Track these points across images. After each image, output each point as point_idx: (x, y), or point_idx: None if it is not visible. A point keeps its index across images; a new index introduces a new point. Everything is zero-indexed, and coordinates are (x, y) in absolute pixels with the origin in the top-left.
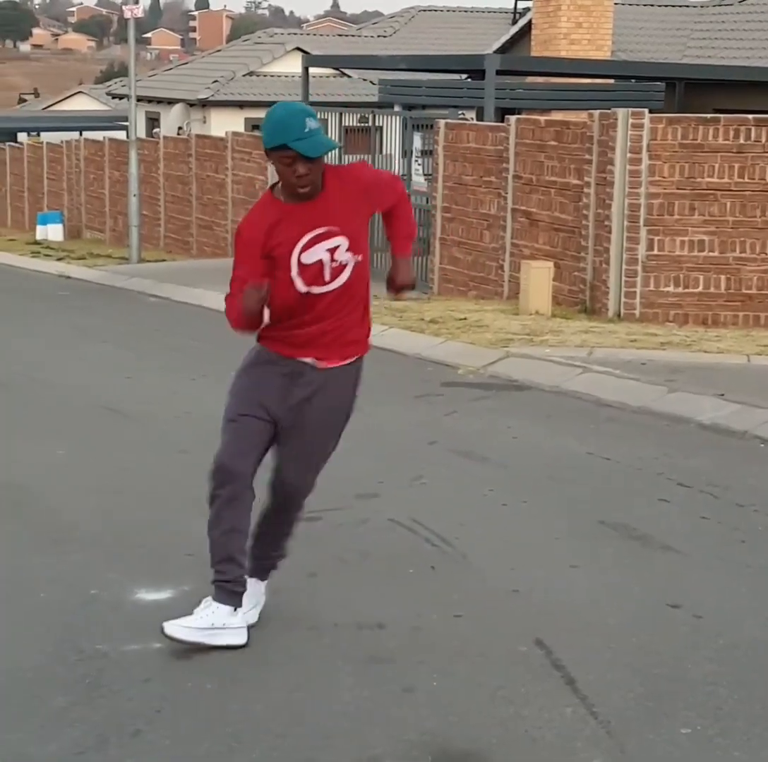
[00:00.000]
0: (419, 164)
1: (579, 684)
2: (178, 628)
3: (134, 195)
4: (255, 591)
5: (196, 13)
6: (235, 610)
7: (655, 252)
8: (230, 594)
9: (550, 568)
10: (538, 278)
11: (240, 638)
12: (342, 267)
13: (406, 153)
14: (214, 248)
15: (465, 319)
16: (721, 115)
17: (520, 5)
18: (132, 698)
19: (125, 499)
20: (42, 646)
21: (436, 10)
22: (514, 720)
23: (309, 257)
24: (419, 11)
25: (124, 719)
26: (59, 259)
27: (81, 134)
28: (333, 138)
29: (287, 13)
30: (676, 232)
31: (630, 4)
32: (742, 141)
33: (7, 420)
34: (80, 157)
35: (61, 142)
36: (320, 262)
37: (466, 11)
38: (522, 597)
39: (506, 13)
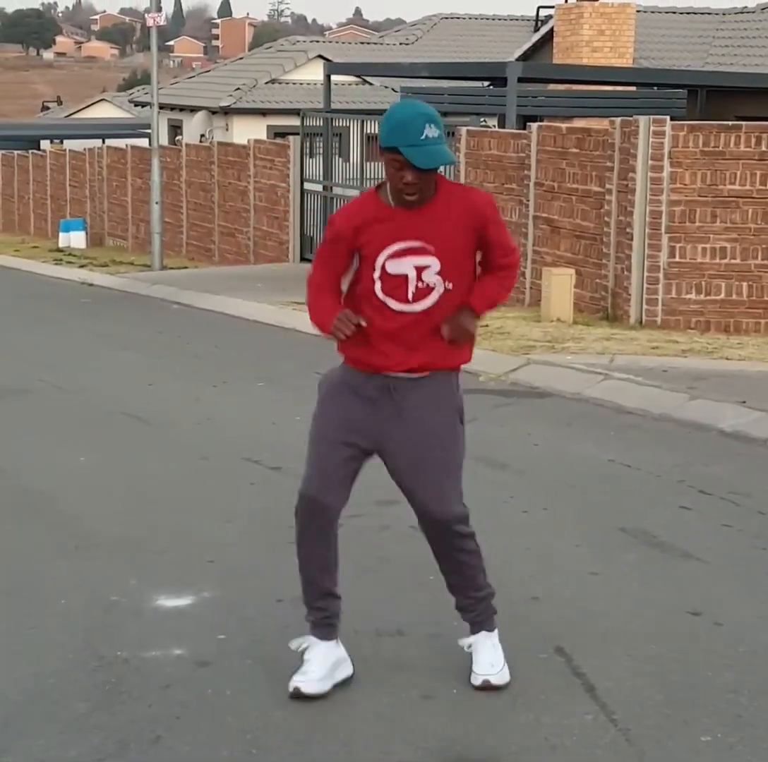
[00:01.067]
0: (440, 172)
1: (599, 691)
2: (311, 684)
3: (156, 202)
4: (484, 644)
5: (218, 20)
6: (337, 642)
7: (677, 259)
8: (333, 629)
9: (570, 576)
10: (560, 285)
11: (349, 670)
12: (428, 290)
13: None
14: (237, 255)
15: (486, 325)
16: (743, 123)
17: (543, 13)
18: (152, 704)
19: (146, 505)
20: (63, 652)
21: (458, 18)
22: (533, 727)
23: (394, 267)
24: (441, 19)
25: (143, 725)
26: (82, 267)
27: (103, 142)
28: (355, 145)
29: (310, 20)
30: (697, 239)
31: (652, 12)
32: (764, 148)
33: (30, 426)
34: (103, 165)
35: (84, 149)
36: (405, 278)
37: (488, 19)
38: (542, 604)
39: (528, 20)
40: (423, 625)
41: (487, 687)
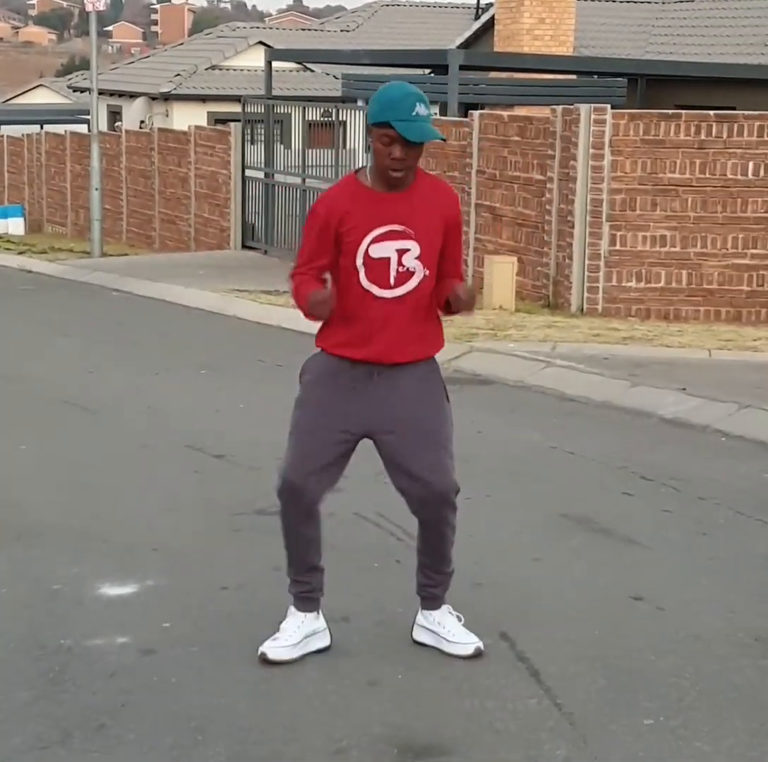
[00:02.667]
0: None
1: (543, 676)
2: (279, 651)
3: (96, 189)
4: (433, 620)
5: (157, 6)
6: (318, 613)
7: (618, 247)
8: (315, 602)
9: (514, 562)
10: (502, 273)
11: (326, 641)
12: (409, 274)
13: (369, 148)
14: (177, 242)
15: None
16: (683, 111)
17: (483, 1)
18: (96, 692)
19: (88, 493)
20: (4, 641)
21: (399, 5)
22: (478, 712)
23: (377, 251)
24: (382, 6)
25: (88, 713)
26: (20, 253)
27: (42, 128)
28: (297, 132)
29: (249, 6)
30: (638, 227)
31: (593, 0)
32: (703, 137)
33: None
34: (41, 151)
35: (22, 135)
36: (387, 261)
37: (428, 6)
38: (486, 590)
39: (469, 8)
40: (368, 612)
41: (477, 654)
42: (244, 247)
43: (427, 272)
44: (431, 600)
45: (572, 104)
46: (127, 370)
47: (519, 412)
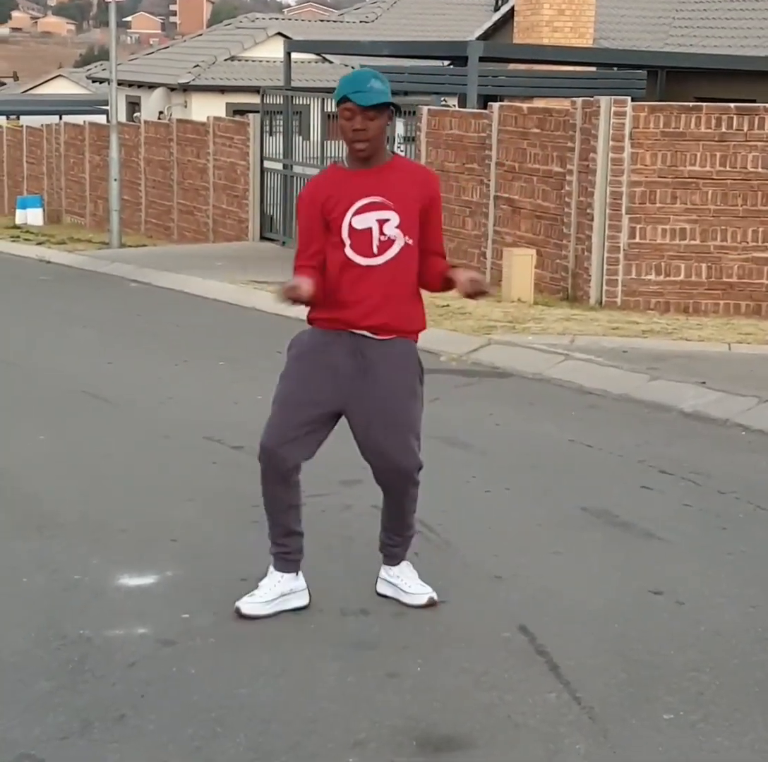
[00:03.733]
0: (401, 151)
1: (562, 670)
2: (253, 606)
3: (115, 179)
4: (392, 574)
5: None
6: (297, 574)
7: (637, 240)
8: (293, 563)
9: (533, 555)
10: (521, 266)
11: (304, 600)
12: (390, 242)
13: (388, 139)
14: (195, 233)
15: (447, 306)
16: (704, 104)
17: None
18: (116, 683)
19: (108, 484)
20: (25, 631)
21: None
22: (497, 705)
23: (360, 222)
24: None
25: (108, 704)
26: (39, 244)
27: (61, 118)
28: (315, 124)
29: None
30: (657, 220)
31: None
32: (724, 129)
33: None
34: (60, 141)
35: (41, 125)
36: (370, 231)
37: None
38: (505, 583)
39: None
40: (387, 604)
41: (431, 604)
42: (263, 238)
43: (408, 241)
44: (391, 557)
45: (592, 96)
46: (145, 361)
47: (537, 405)
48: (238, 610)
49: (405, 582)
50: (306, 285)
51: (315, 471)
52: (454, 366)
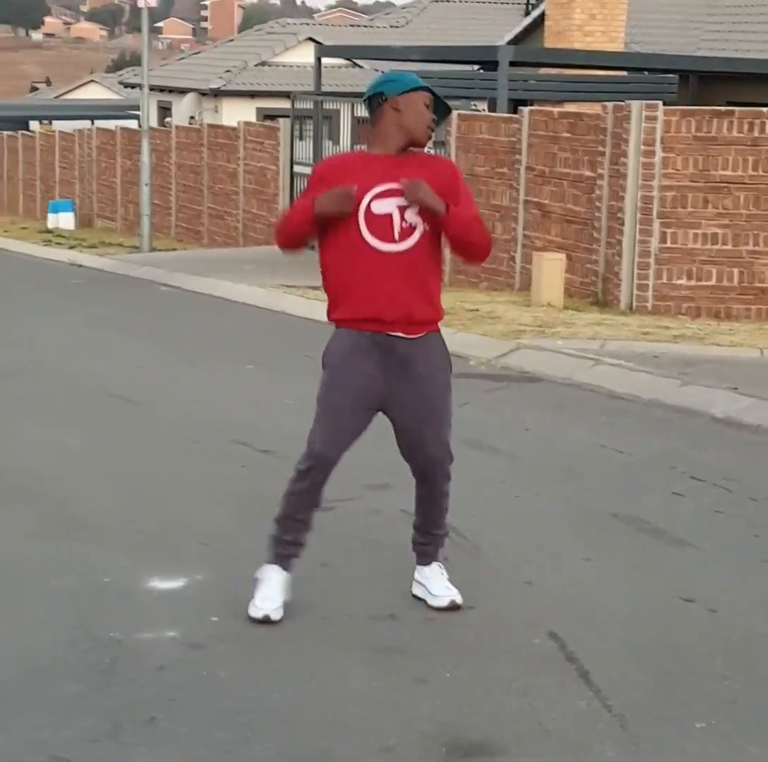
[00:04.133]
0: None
1: (593, 677)
2: (279, 611)
3: (146, 184)
4: (423, 574)
5: (207, 2)
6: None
7: (668, 245)
8: (288, 558)
9: (563, 561)
10: (550, 270)
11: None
12: (411, 229)
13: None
14: (225, 238)
15: (477, 310)
16: (736, 108)
17: None
18: (146, 686)
19: (137, 487)
20: (55, 633)
21: (448, 1)
22: (527, 712)
23: (379, 207)
24: (431, 2)
25: (138, 707)
26: (71, 248)
27: (93, 123)
28: (345, 129)
29: (298, 2)
30: (689, 224)
31: None
32: (756, 134)
33: (20, 408)
34: (92, 146)
35: (73, 130)
36: (390, 217)
37: (478, 2)
38: (535, 589)
39: (519, 4)
40: (416, 610)
41: (453, 607)
42: None
43: (427, 227)
44: (423, 556)
45: (623, 101)
46: (175, 364)
47: (567, 410)
48: (267, 619)
49: (432, 584)
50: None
51: (343, 476)
52: (484, 370)
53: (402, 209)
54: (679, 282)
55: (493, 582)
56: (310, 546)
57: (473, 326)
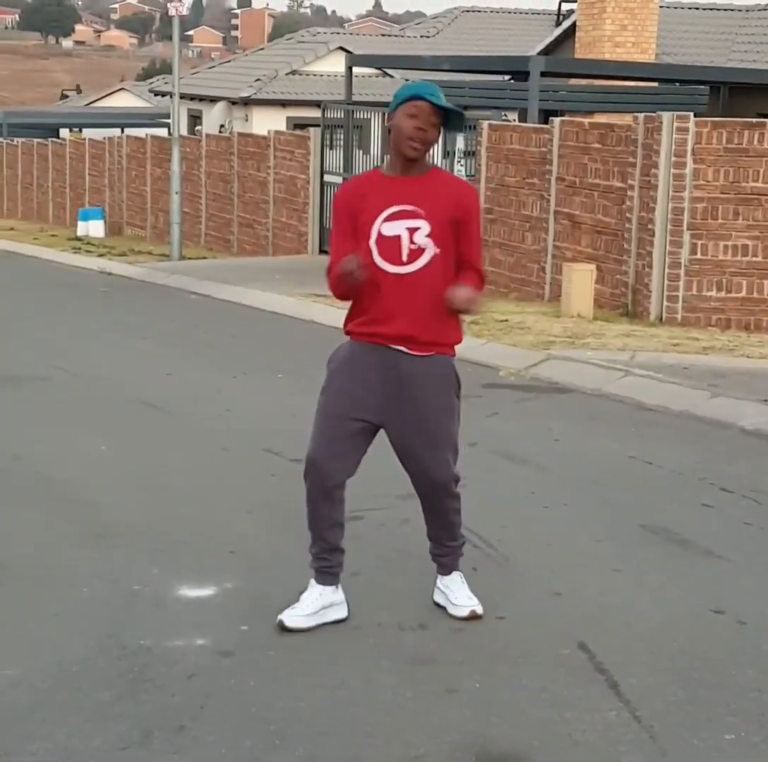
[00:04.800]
0: (462, 165)
1: (622, 688)
2: (296, 619)
3: (176, 192)
4: (443, 583)
5: (238, 11)
6: (337, 587)
7: (698, 256)
8: (334, 576)
9: (592, 572)
10: (580, 281)
11: (343, 612)
12: (420, 251)
13: (448, 153)
14: (255, 246)
15: (506, 320)
16: (766, 120)
17: (565, 7)
18: (176, 694)
19: (167, 495)
20: (86, 640)
21: (479, 11)
22: (557, 722)
23: (389, 229)
24: (462, 12)
25: (168, 714)
26: (100, 256)
27: (123, 131)
28: (376, 138)
29: (329, 12)
30: (719, 236)
31: (675, 7)
32: None
33: (49, 414)
34: (122, 154)
35: (104, 138)
36: (398, 239)
37: (509, 12)
38: (564, 600)
39: (550, 14)
40: (445, 619)
41: (473, 617)
42: (322, 251)
43: (438, 250)
44: (441, 567)
45: (654, 112)
46: (204, 372)
47: (597, 420)
48: (281, 623)
49: (453, 593)
50: (356, 259)
51: (372, 485)
52: (513, 381)
53: (411, 231)
54: (709, 293)
55: (522, 592)
56: None
57: (503, 337)
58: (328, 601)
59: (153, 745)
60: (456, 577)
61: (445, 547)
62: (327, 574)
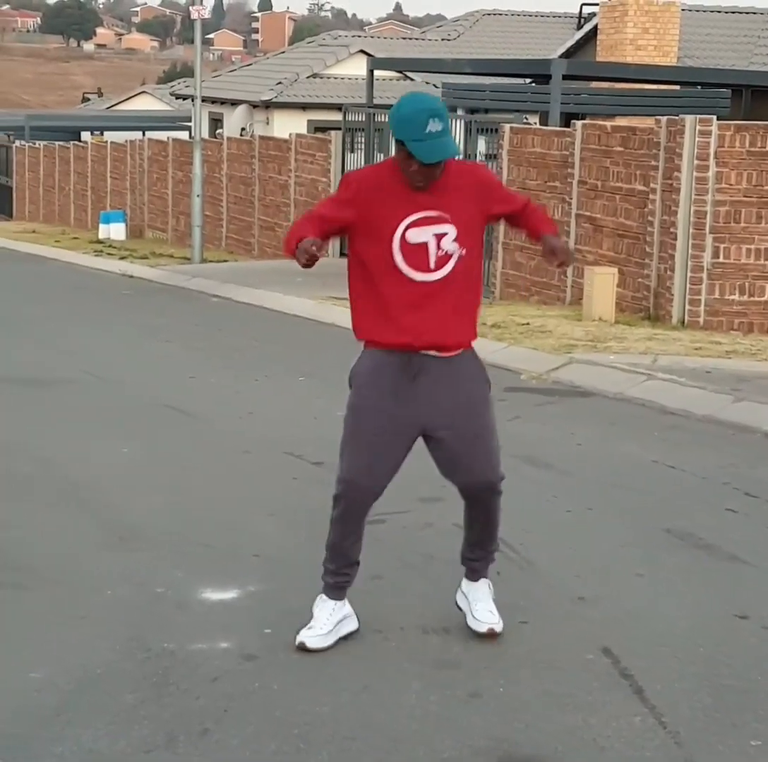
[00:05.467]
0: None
1: (647, 693)
2: (317, 640)
3: (198, 195)
4: (469, 589)
5: (258, 14)
6: (345, 600)
7: (721, 259)
8: (346, 591)
9: (616, 576)
10: (602, 284)
11: (355, 623)
12: (447, 257)
13: (469, 157)
14: (276, 249)
15: (527, 324)
16: None
17: (586, 10)
18: (199, 697)
19: (190, 498)
20: (111, 643)
21: (500, 14)
22: (581, 728)
23: (415, 236)
24: (483, 15)
25: (192, 718)
26: (122, 258)
27: (144, 134)
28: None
29: (349, 15)
30: (742, 240)
31: (697, 11)
32: None
33: (72, 417)
34: (144, 157)
35: (125, 141)
36: (425, 246)
37: (530, 15)
38: (588, 605)
39: (571, 17)
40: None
41: (491, 634)
42: (342, 254)
43: (463, 251)
44: (472, 571)
45: (676, 115)
46: (226, 375)
47: (619, 425)
48: (302, 645)
49: (476, 604)
50: (312, 245)
51: (395, 488)
52: (535, 384)
53: (438, 237)
54: (732, 297)
55: (545, 597)
56: (363, 558)
57: (524, 340)
58: (341, 614)
59: (177, 748)
60: (483, 585)
61: (482, 552)
62: (342, 590)
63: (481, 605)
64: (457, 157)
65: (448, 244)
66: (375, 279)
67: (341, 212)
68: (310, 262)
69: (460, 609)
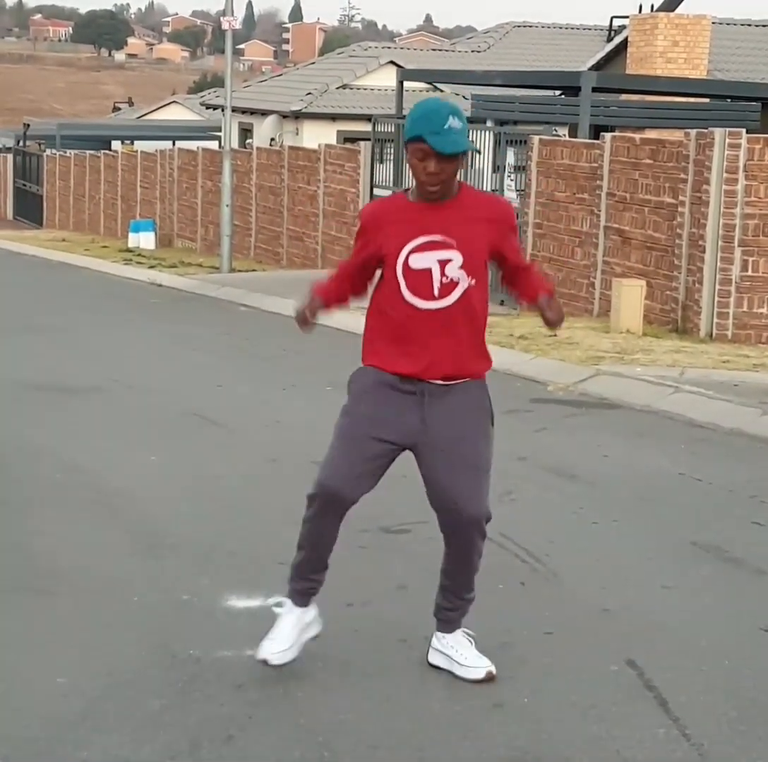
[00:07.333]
0: (512, 180)
1: (671, 705)
2: (281, 656)
3: (227, 205)
4: (446, 643)
5: (289, 25)
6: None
7: (750, 273)
8: (312, 597)
9: (642, 588)
10: (630, 296)
11: (320, 625)
12: (453, 285)
13: (498, 168)
14: (304, 259)
15: (555, 335)
16: None
17: (616, 22)
18: (224, 704)
19: (216, 506)
20: (136, 649)
21: (530, 27)
22: (605, 739)
23: (417, 261)
24: (514, 27)
25: (217, 724)
26: (151, 267)
27: (174, 143)
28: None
29: (380, 26)
30: None
31: (727, 24)
32: None
33: (101, 425)
34: (174, 167)
35: (155, 150)
36: (429, 272)
37: (560, 28)
38: (613, 616)
39: (601, 30)
40: (493, 634)
41: (489, 678)
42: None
43: (473, 282)
44: (447, 623)
45: (705, 128)
46: (254, 384)
47: (646, 437)
48: (265, 662)
49: (460, 653)
50: (312, 314)
51: (419, 498)
52: (562, 396)
53: (442, 264)
54: (760, 311)
55: (570, 608)
56: (387, 568)
57: (551, 352)
58: (305, 621)
59: (201, 754)
60: (460, 635)
61: (459, 601)
62: (309, 596)
63: (466, 652)
64: (472, 152)
65: (453, 271)
66: (383, 306)
67: (363, 249)
68: (304, 326)
69: (437, 667)
